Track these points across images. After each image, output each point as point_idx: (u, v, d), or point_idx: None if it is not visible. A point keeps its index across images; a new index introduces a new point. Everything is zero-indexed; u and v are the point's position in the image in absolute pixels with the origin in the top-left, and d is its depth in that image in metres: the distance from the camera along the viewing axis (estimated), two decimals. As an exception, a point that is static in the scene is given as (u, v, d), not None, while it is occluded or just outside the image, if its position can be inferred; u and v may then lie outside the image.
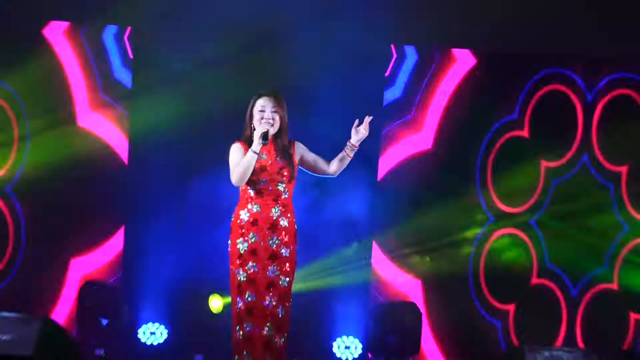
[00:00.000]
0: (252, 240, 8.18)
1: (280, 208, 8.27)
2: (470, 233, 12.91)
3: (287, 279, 8.33)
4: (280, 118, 8.19)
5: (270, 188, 8.23)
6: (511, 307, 12.83)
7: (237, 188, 8.41)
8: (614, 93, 12.79)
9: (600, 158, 12.75)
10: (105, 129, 12.75)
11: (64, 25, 12.86)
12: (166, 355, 12.02)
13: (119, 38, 12.87)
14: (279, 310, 8.27)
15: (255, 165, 8.08)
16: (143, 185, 12.56)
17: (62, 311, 12.49)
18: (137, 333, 12.05)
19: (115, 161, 12.80)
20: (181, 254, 12.10)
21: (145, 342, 12.01)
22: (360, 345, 11.93)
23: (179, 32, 12.75)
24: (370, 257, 12.42)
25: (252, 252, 8.18)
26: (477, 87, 12.78)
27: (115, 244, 12.53)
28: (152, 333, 12.04)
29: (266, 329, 8.22)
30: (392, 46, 12.72)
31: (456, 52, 12.73)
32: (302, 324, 10.72)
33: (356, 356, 11.85)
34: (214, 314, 11.76)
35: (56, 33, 12.88)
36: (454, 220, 12.67)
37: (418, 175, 12.64)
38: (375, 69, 12.57)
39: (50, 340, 8.48)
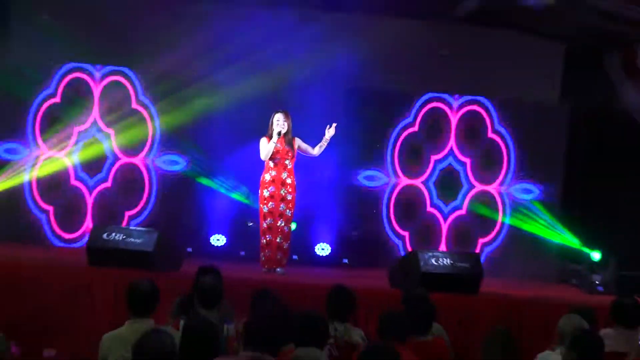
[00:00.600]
0: (271, 189, 11.39)
1: (287, 173, 11.43)
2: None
3: (290, 212, 11.50)
4: (288, 125, 11.31)
5: (281, 162, 11.40)
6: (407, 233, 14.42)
7: (263, 161, 11.44)
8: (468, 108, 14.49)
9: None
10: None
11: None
12: (225, 252, 13.52)
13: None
14: (285, 228, 11.47)
15: (273, 149, 11.30)
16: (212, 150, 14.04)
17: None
18: (210, 239, 13.88)
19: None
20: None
21: (213, 244, 13.78)
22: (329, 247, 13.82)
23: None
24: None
25: (271, 196, 11.41)
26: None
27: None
28: (218, 240, 13.80)
29: (279, 238, 11.43)
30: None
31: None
32: (296, 236, 12.78)
33: (328, 253, 13.79)
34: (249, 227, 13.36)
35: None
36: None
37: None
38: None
39: (163, 243, 10.76)
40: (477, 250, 13.98)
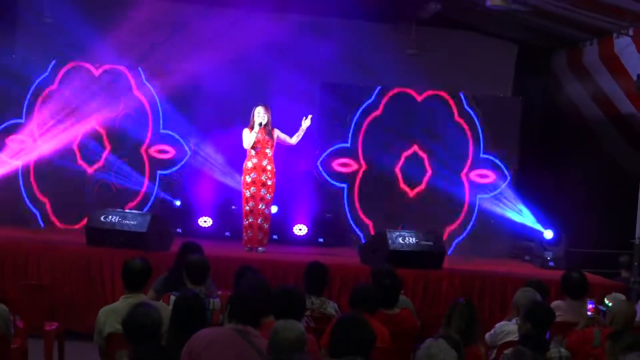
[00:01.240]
0: (253, 175, 11.36)
1: (267, 160, 11.41)
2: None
3: (270, 196, 11.50)
4: (268, 117, 11.28)
5: (261, 150, 11.37)
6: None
7: (245, 149, 11.43)
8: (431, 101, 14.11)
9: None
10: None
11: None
12: (211, 233, 13.28)
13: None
14: (266, 211, 11.48)
15: (254, 139, 11.28)
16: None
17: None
18: (198, 221, 13.57)
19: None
20: (220, 182, 13.59)
21: (201, 226, 13.52)
22: (306, 228, 13.62)
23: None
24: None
25: (253, 182, 11.38)
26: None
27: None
28: (204, 221, 13.53)
29: (260, 220, 11.45)
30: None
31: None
32: (276, 217, 12.73)
33: (305, 233, 13.60)
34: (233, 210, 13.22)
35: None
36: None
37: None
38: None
39: (155, 225, 10.81)
40: (443, 232, 13.78)
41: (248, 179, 11.58)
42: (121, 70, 13.72)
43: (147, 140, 13.84)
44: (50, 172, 13.54)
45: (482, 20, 13.19)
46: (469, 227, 14.20)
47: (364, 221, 14.02)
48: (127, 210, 11.70)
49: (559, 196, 13.71)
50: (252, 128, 11.44)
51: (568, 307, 8.15)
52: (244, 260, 9.64)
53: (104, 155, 13.70)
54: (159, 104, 13.82)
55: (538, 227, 13.24)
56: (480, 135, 14.18)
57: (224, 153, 13.54)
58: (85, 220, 11.62)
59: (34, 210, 13.59)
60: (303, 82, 13.50)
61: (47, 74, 13.50)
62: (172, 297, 6.55)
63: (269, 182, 11.61)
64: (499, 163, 14.15)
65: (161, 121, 13.85)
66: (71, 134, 13.53)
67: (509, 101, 14.33)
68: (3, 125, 13.49)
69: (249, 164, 11.58)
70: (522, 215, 13.63)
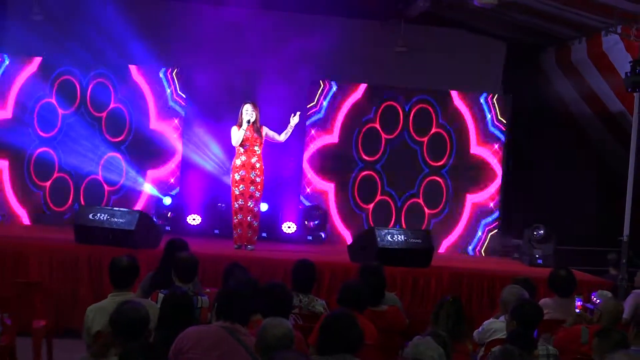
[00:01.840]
0: (242, 173, 11.35)
1: (256, 158, 11.38)
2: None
3: (259, 193, 11.48)
4: (256, 114, 11.27)
5: (250, 148, 11.36)
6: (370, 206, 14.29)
7: (234, 147, 11.43)
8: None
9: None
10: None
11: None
12: (200, 230, 13.28)
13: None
14: (255, 208, 11.46)
15: (243, 136, 11.28)
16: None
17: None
18: (187, 218, 13.52)
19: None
20: (208, 178, 13.68)
21: (190, 223, 13.48)
22: (295, 226, 13.66)
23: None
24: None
25: (242, 179, 11.35)
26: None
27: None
28: (193, 219, 13.49)
29: (249, 217, 11.43)
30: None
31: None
32: (265, 215, 12.76)
33: (293, 231, 13.63)
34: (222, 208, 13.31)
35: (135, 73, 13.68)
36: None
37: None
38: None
39: (143, 223, 10.84)
40: (429, 227, 13.88)
41: (237, 177, 11.57)
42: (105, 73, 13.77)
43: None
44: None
45: (471, 18, 13.19)
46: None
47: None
48: (115, 208, 11.71)
49: (548, 194, 13.66)
50: (240, 126, 11.43)
51: (556, 305, 8.15)
52: (232, 258, 9.59)
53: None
54: (151, 102, 13.81)
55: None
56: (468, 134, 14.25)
57: (212, 150, 13.41)
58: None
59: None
60: (292, 79, 13.48)
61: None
62: (160, 295, 6.56)
63: (258, 180, 11.59)
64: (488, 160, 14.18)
65: (151, 118, 13.81)
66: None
67: (497, 99, 14.20)
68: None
69: (237, 162, 11.57)
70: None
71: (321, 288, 9.21)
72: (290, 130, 11.65)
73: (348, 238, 13.67)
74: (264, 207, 12.57)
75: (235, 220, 11.67)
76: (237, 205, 11.63)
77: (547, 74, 14.73)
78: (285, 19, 14.06)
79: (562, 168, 13.32)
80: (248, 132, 11.43)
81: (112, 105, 13.78)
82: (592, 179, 13.69)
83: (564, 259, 11.86)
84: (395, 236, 11.18)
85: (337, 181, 14.25)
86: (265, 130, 11.61)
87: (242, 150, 11.52)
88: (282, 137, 11.70)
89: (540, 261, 12.36)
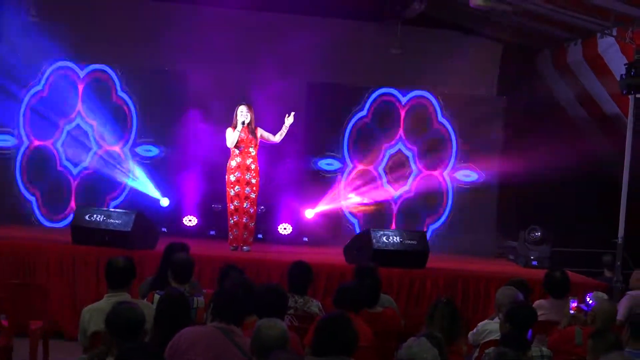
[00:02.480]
0: (237, 175, 11.43)
1: (251, 159, 11.46)
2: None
3: (254, 195, 11.56)
4: (251, 115, 11.35)
5: (245, 149, 11.44)
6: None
7: (229, 148, 11.47)
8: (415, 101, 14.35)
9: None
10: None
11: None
12: (196, 232, 13.23)
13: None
14: (251, 210, 11.56)
15: (238, 138, 11.35)
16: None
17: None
18: (183, 220, 13.49)
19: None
20: (205, 182, 13.38)
21: (186, 224, 13.44)
22: (290, 227, 13.61)
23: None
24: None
25: (237, 181, 11.45)
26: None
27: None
28: (190, 220, 13.47)
29: (245, 219, 11.53)
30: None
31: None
32: (261, 216, 12.78)
33: (289, 232, 13.56)
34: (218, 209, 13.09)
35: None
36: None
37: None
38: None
39: (140, 224, 10.85)
40: (424, 229, 13.83)
41: (232, 178, 11.62)
42: (105, 70, 13.72)
43: (131, 140, 13.77)
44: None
45: (467, 20, 13.13)
46: (451, 225, 14.32)
47: (352, 219, 14.14)
48: (112, 209, 11.78)
49: (543, 195, 13.62)
50: (235, 127, 11.49)
51: (551, 306, 8.17)
52: (228, 259, 9.68)
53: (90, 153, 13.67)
54: (140, 103, 13.79)
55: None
56: (463, 135, 14.35)
57: (207, 152, 13.32)
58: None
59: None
60: (287, 81, 13.42)
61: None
62: (156, 296, 6.58)
63: (253, 181, 11.66)
64: (482, 162, 14.30)
65: (144, 120, 13.79)
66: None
67: (492, 100, 14.33)
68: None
69: (232, 163, 11.63)
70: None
71: (317, 289, 9.17)
72: (285, 131, 11.68)
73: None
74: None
75: (231, 222, 11.72)
76: (232, 207, 11.68)
77: (543, 76, 14.69)
78: (279, 20, 13.98)
79: (557, 169, 13.28)
80: (243, 134, 11.49)
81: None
82: (588, 181, 13.66)
83: (559, 260, 11.90)
84: (391, 237, 11.18)
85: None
86: (260, 131, 11.64)
87: (237, 151, 11.57)
88: (277, 138, 11.73)
89: (535, 263, 12.40)
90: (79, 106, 13.69)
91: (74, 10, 13.17)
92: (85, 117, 13.67)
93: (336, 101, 14.15)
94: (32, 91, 13.56)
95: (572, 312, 7.66)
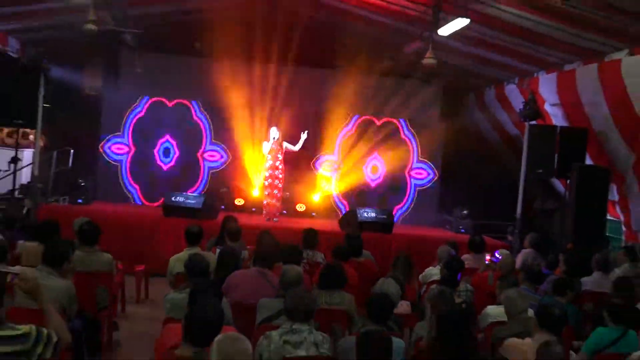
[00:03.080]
0: (269, 172, 11.32)
1: (279, 162, 11.29)
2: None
3: (280, 184, 11.43)
4: (279, 133, 11.27)
5: (275, 155, 11.29)
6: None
7: (265, 154, 11.37)
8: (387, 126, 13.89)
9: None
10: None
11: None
12: (243, 208, 12.54)
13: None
14: (278, 194, 11.48)
15: (269, 148, 11.25)
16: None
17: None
18: (235, 200, 12.78)
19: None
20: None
21: (237, 204, 12.68)
22: (304, 206, 13.05)
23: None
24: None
25: (270, 176, 11.30)
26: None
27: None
28: (239, 201, 12.79)
29: (274, 200, 11.42)
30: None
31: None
32: (285, 199, 12.29)
33: (303, 209, 12.98)
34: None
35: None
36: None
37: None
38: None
39: (207, 203, 10.80)
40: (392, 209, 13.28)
41: (267, 174, 11.53)
42: (186, 102, 13.52)
43: (202, 149, 13.58)
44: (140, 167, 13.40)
45: (422, 72, 12.60)
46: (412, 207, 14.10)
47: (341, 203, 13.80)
48: (189, 194, 11.63)
49: (469, 187, 13.42)
50: (268, 140, 11.48)
51: (473, 259, 8.15)
52: (263, 226, 9.54)
53: (175, 157, 13.49)
54: (210, 125, 13.54)
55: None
56: (417, 149, 14.15)
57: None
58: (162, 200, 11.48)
59: (131, 191, 13.43)
60: (302, 110, 13.21)
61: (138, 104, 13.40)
62: (217, 250, 6.55)
63: (280, 175, 11.54)
64: (428, 167, 14.16)
65: (211, 136, 13.58)
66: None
67: (437, 125, 14.01)
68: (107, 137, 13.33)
69: (266, 164, 11.54)
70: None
71: (321, 246, 9.10)
72: (302, 143, 11.54)
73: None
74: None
75: (265, 203, 11.65)
76: (266, 193, 11.60)
77: (469, 109, 14.51)
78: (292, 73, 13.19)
79: (479, 171, 13.23)
80: (273, 145, 11.39)
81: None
82: (497, 178, 13.48)
83: (478, 229, 11.79)
84: (369, 213, 11.16)
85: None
86: (285, 144, 11.51)
87: (269, 157, 11.46)
88: (296, 148, 11.59)
89: (462, 230, 12.30)
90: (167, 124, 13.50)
91: (164, 66, 12.91)
92: (171, 133, 13.53)
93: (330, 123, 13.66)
94: (135, 113, 13.41)
95: (486, 262, 7.69)
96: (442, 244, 7.95)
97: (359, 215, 10.95)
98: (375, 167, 14.01)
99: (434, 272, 7.20)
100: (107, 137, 13.22)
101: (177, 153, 13.44)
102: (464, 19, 8.75)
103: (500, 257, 7.63)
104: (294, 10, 12.38)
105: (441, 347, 3.97)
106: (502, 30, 9.50)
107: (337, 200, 13.73)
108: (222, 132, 13.27)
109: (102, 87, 12.99)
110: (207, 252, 6.57)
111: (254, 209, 12.62)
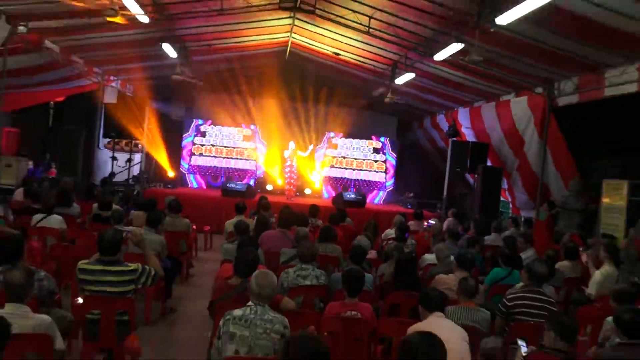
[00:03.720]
0: (288, 169, 11.00)
1: (294, 164, 11.07)
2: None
3: (295, 176, 11.15)
4: (295, 145, 11.09)
5: (291, 161, 11.14)
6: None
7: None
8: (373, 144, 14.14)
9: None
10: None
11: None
12: (272, 191, 11.91)
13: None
14: (294, 182, 11.21)
15: (288, 155, 11.06)
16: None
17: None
18: (266, 186, 12.07)
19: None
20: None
21: (268, 189, 12.00)
22: (311, 190, 12.42)
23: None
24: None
25: (289, 171, 10.98)
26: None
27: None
28: (270, 186, 12.10)
29: (292, 187, 11.13)
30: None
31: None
32: (299, 185, 11.88)
33: (310, 192, 12.33)
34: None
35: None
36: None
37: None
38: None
39: (249, 188, 10.52)
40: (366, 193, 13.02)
41: (286, 170, 11.33)
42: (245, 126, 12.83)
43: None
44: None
45: (384, 105, 12.38)
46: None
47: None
48: (237, 182, 11.44)
49: (415, 179, 13.17)
50: (288, 149, 11.28)
51: (415, 224, 8.07)
52: (284, 203, 9.28)
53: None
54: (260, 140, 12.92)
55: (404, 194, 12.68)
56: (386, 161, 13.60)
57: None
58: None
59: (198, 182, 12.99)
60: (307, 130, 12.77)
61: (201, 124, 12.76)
62: (256, 217, 6.44)
63: (295, 171, 11.34)
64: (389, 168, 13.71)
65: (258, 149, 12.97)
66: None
67: (394, 142, 13.64)
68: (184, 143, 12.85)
69: (286, 164, 11.36)
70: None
71: (320, 215, 8.98)
72: (308, 152, 11.47)
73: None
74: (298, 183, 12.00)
75: (286, 188, 11.40)
76: (287, 182, 11.38)
77: (414, 131, 14.22)
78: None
79: (420, 171, 13.10)
80: (291, 152, 11.20)
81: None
82: (432, 174, 13.20)
83: (420, 205, 11.60)
84: (351, 195, 11.07)
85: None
86: (298, 152, 11.35)
87: (288, 160, 11.25)
88: (305, 154, 11.51)
89: (409, 206, 12.10)
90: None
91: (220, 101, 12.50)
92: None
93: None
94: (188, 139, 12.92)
95: (424, 226, 7.66)
96: (396, 214, 7.79)
97: (344, 197, 10.85)
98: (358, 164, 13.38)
99: (390, 232, 7.05)
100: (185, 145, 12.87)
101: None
102: (411, 74, 8.93)
103: (432, 223, 7.59)
104: (305, 66, 12.09)
105: (397, 280, 4.04)
106: (435, 81, 9.54)
107: (329, 188, 13.38)
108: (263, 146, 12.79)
109: (184, 115, 12.83)
110: (248, 219, 6.45)
111: (278, 192, 12.27)
